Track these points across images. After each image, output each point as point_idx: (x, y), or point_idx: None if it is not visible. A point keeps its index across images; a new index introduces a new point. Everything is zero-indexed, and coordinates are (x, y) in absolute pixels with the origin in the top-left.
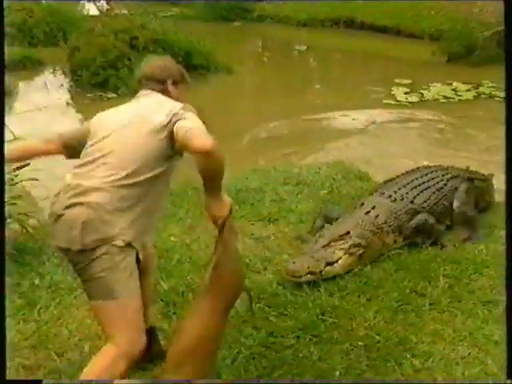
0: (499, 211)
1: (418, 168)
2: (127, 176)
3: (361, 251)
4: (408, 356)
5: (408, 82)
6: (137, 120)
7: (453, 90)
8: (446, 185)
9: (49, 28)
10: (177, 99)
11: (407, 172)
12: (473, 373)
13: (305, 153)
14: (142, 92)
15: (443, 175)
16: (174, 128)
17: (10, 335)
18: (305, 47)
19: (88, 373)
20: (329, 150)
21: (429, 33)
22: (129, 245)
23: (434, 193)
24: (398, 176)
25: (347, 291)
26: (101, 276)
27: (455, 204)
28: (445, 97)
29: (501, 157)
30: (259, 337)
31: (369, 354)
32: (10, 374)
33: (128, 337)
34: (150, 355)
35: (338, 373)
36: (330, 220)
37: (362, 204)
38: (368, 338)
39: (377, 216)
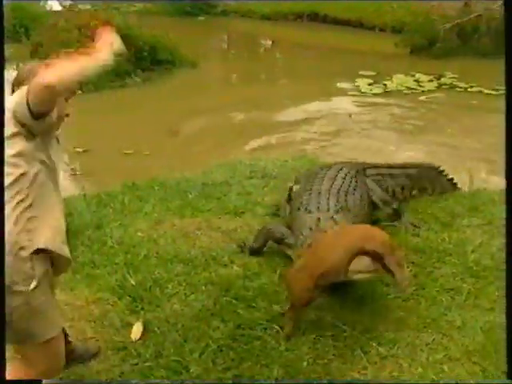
0: (460, 200)
1: (322, 170)
2: None
3: None
4: (374, 344)
5: (372, 73)
6: None
7: (415, 80)
8: (356, 183)
9: (11, 24)
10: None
11: (317, 175)
12: (437, 358)
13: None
14: None
15: (348, 173)
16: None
17: None
18: (270, 42)
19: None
20: (293, 143)
21: (391, 25)
22: None
23: (352, 196)
24: (312, 180)
25: None
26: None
27: (376, 200)
28: (408, 87)
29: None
30: (227, 329)
31: (335, 344)
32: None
33: (48, 364)
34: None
35: (305, 363)
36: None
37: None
38: (334, 327)
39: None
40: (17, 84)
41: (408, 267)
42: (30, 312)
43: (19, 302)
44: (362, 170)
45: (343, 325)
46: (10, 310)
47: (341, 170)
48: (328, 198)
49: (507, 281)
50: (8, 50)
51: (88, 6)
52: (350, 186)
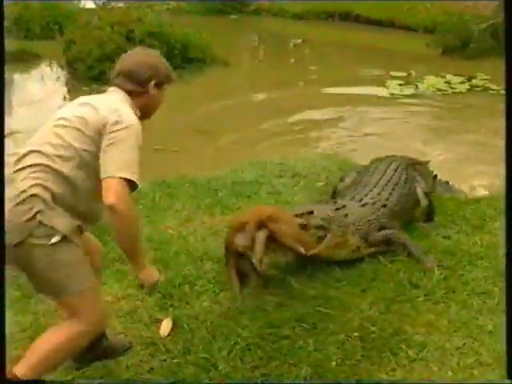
0: (492, 202)
1: (375, 163)
2: None
3: (319, 234)
4: (403, 347)
5: (403, 74)
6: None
7: (446, 82)
8: (406, 178)
9: (45, 21)
10: (158, 103)
11: (369, 169)
12: (467, 363)
13: (299, 145)
14: (110, 89)
15: (398, 167)
16: (100, 158)
17: (8, 327)
18: (300, 40)
19: (41, 347)
20: (324, 143)
21: (423, 25)
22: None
23: (401, 189)
24: (363, 172)
25: (343, 282)
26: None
27: (419, 191)
28: (439, 89)
29: None
30: (255, 328)
31: (364, 345)
32: (9, 366)
33: (89, 317)
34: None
35: (333, 363)
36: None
37: (335, 202)
38: (363, 328)
39: (346, 215)
40: (123, 75)
41: (438, 270)
42: (54, 264)
43: (39, 255)
44: (411, 164)
45: (372, 326)
46: (31, 262)
47: (392, 163)
48: (373, 190)
49: (507, 281)
50: (42, 47)
51: (121, 4)
52: (400, 178)
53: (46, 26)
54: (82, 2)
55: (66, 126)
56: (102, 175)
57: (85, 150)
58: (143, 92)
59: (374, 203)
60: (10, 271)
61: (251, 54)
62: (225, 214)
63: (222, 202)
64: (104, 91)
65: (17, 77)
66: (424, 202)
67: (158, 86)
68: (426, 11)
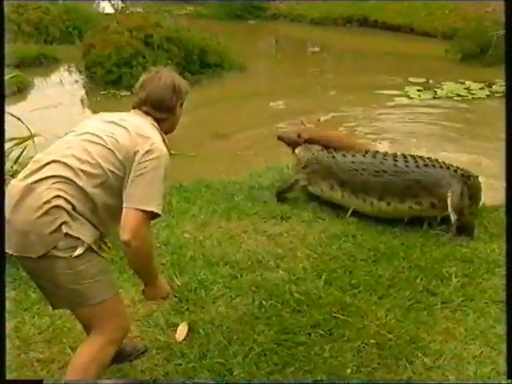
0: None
1: None
2: None
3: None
4: (419, 354)
5: (421, 80)
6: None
7: (466, 88)
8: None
9: (64, 26)
10: (179, 120)
11: None
12: (484, 372)
13: None
14: (136, 111)
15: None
16: (127, 187)
17: (25, 329)
18: (318, 49)
19: (77, 363)
20: None
21: (442, 31)
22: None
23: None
24: None
25: (359, 289)
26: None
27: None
28: (458, 95)
29: None
30: (271, 333)
31: (380, 352)
32: (26, 368)
33: (114, 324)
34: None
35: (349, 370)
36: None
37: None
38: (379, 335)
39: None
40: (151, 104)
41: (456, 278)
42: (78, 276)
43: (62, 267)
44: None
45: (388, 333)
46: (54, 274)
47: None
48: None
49: (507, 281)
50: (61, 51)
51: (139, 9)
52: None
53: (65, 30)
54: (101, 6)
55: (96, 143)
56: (126, 203)
57: (111, 172)
58: (170, 116)
59: None
60: (25, 274)
61: (269, 59)
62: (241, 219)
63: (238, 207)
64: (121, 96)
65: (36, 80)
66: (452, 217)
67: (181, 105)
68: (444, 17)
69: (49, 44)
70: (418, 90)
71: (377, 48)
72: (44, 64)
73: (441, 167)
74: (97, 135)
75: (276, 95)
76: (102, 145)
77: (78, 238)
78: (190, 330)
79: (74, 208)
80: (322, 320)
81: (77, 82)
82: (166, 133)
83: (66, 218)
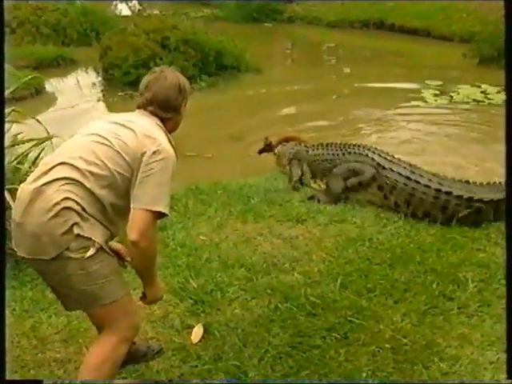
0: None
1: None
2: None
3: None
4: (435, 359)
5: (438, 83)
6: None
7: (482, 92)
8: None
9: (82, 28)
10: (182, 118)
11: None
12: (502, 378)
13: None
14: (141, 111)
15: None
16: (135, 188)
17: (42, 329)
18: (333, 45)
19: (90, 363)
20: None
21: (459, 35)
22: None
23: None
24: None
25: (375, 293)
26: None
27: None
28: (474, 99)
29: None
30: (286, 336)
31: (395, 357)
32: (43, 367)
33: (125, 323)
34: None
35: (364, 374)
36: None
37: None
38: (395, 340)
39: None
40: (157, 104)
41: (472, 283)
42: (90, 277)
43: (74, 268)
44: None
45: (404, 338)
46: (66, 275)
47: None
48: None
49: (507, 281)
50: (78, 53)
51: (156, 11)
52: None
53: (83, 32)
54: (119, 9)
55: (103, 144)
56: (134, 204)
57: (118, 173)
58: (175, 115)
59: None
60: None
61: (285, 61)
62: (257, 222)
63: (254, 210)
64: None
65: (54, 82)
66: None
67: (185, 104)
68: (462, 21)
69: (66, 46)
70: (435, 95)
71: (393, 51)
72: (62, 66)
73: (360, 154)
74: (103, 137)
75: (291, 98)
76: (109, 146)
77: (90, 239)
78: (205, 331)
79: (83, 209)
80: (337, 323)
81: (94, 83)
82: (170, 132)
83: (76, 219)
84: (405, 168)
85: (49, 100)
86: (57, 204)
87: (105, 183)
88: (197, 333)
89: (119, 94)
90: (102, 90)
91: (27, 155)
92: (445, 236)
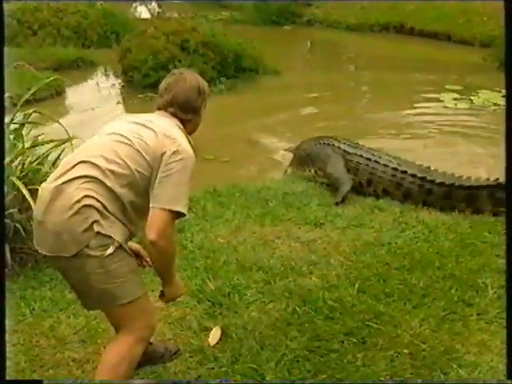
0: None
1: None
2: None
3: None
4: (454, 366)
5: (458, 87)
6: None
7: (503, 96)
8: None
9: (102, 30)
10: (201, 120)
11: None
12: None
13: None
14: (161, 112)
15: None
16: (154, 187)
17: (61, 329)
18: (352, 54)
19: (107, 362)
20: None
21: (480, 39)
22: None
23: None
24: None
25: (393, 297)
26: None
27: None
28: (495, 104)
29: None
30: (304, 340)
31: (414, 362)
32: (61, 367)
33: (142, 323)
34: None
35: (382, 379)
36: None
37: None
38: (413, 345)
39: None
40: (178, 106)
41: (492, 289)
42: (108, 275)
43: (93, 267)
44: None
45: (422, 343)
46: (85, 273)
47: None
48: None
49: (507, 281)
50: (98, 55)
51: (176, 14)
52: None
53: (103, 34)
54: (138, 11)
55: (124, 143)
56: (153, 203)
57: (138, 172)
58: (195, 117)
59: None
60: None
61: (303, 64)
62: (275, 225)
63: (272, 213)
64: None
65: (73, 84)
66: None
67: (205, 106)
68: (482, 24)
69: (87, 48)
70: (455, 98)
71: (413, 55)
72: (82, 67)
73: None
74: (124, 136)
75: (309, 101)
76: (130, 145)
77: (110, 237)
78: (222, 334)
79: (104, 207)
80: (355, 328)
81: (113, 85)
82: (190, 133)
83: (96, 216)
84: (367, 152)
85: (69, 101)
86: (77, 202)
87: (125, 182)
88: (214, 335)
89: (139, 96)
90: (122, 92)
91: (47, 156)
92: (464, 241)
